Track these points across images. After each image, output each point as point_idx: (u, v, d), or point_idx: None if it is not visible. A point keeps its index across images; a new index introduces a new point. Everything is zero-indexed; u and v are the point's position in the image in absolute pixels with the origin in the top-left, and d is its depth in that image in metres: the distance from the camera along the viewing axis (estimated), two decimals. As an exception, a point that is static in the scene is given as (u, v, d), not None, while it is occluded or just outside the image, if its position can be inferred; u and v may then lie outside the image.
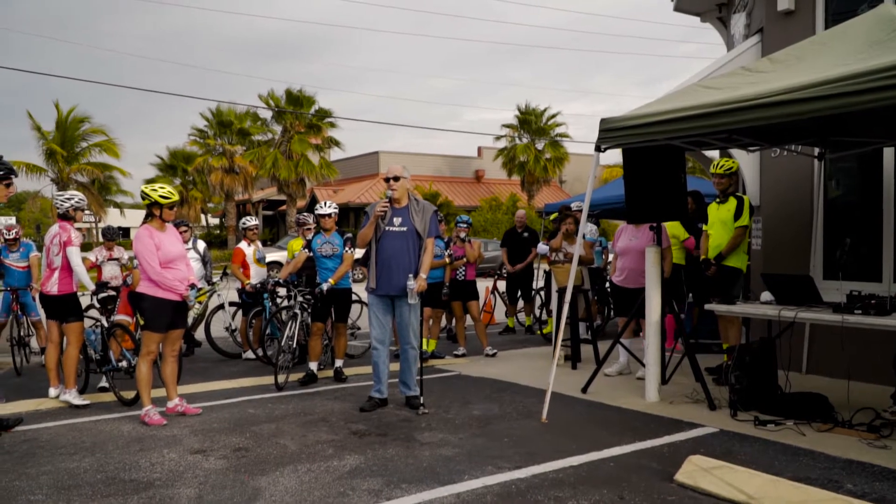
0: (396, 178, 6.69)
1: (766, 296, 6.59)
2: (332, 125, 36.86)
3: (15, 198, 38.15)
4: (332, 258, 8.15)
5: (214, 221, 52.61)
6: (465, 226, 10.10)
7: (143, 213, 6.67)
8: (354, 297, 10.30)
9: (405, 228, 6.69)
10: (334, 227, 8.29)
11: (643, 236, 7.67)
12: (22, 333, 9.37)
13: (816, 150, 7.76)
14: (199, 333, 10.43)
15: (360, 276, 20.39)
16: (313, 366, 8.19)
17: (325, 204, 8.29)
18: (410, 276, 6.52)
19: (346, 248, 8.15)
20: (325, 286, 7.93)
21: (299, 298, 8.20)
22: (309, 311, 8.29)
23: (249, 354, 9.78)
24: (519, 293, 12.18)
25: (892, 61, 4.59)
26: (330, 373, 8.34)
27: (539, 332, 11.95)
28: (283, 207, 40.90)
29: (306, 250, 8.32)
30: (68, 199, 7.26)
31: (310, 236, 8.73)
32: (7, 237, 9.53)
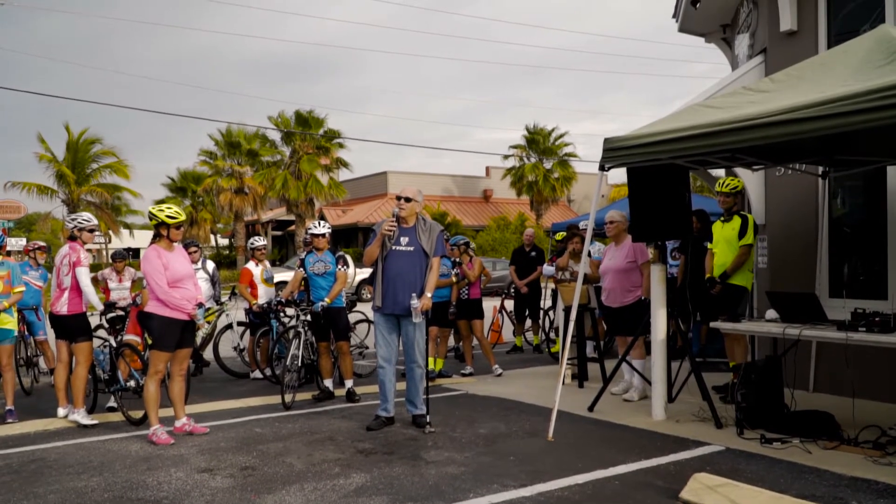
0: (408, 200, 6.75)
1: (770, 314, 6.60)
2: (341, 146, 37.14)
3: (26, 219, 38.34)
4: (324, 276, 8.23)
5: (224, 242, 52.82)
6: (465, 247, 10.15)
7: (152, 233, 6.73)
8: (362, 317, 10.41)
9: (412, 248, 6.74)
10: (327, 246, 8.38)
11: (619, 255, 7.84)
12: (29, 354, 9.43)
13: (820, 169, 7.78)
14: (208, 353, 10.48)
15: (368, 296, 20.42)
16: (328, 383, 8.26)
17: (319, 224, 8.48)
18: (414, 295, 6.56)
19: (339, 267, 8.22)
20: (318, 305, 8.00)
21: (301, 317, 8.25)
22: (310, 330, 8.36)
23: (257, 374, 9.81)
24: (526, 312, 12.22)
25: (891, 81, 4.63)
26: (342, 392, 8.36)
27: (547, 350, 11.96)
28: (293, 227, 41.10)
29: (301, 269, 8.39)
30: (72, 219, 7.40)
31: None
32: (39, 245, 9.70)
